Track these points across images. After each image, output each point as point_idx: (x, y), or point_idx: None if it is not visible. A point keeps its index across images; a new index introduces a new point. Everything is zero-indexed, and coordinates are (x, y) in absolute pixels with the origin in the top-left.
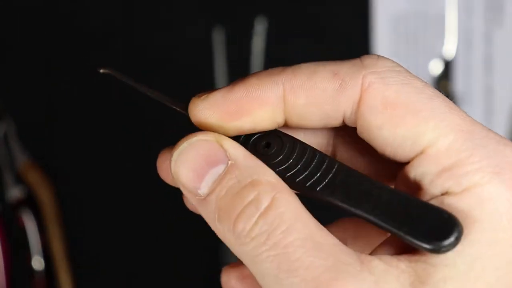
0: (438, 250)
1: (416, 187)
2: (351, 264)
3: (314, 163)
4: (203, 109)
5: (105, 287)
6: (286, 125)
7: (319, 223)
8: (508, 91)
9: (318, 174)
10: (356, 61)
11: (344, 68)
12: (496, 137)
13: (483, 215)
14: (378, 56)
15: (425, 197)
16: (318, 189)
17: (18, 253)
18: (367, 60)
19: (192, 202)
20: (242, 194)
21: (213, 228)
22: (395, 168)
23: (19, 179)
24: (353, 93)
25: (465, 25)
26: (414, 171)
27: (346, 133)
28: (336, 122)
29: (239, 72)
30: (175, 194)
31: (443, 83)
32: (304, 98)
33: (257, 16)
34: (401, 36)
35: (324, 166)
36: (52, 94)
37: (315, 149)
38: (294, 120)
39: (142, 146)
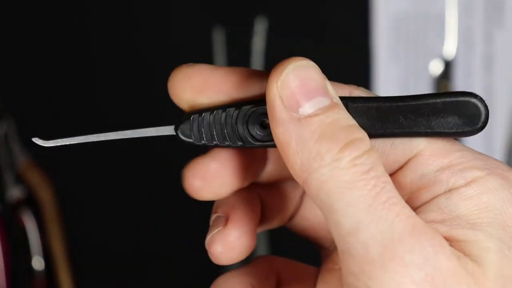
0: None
1: (413, 190)
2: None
3: None
4: (186, 74)
5: (105, 287)
6: None
7: None
8: (508, 91)
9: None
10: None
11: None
12: (470, 148)
13: (491, 201)
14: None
15: (428, 196)
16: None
17: (18, 253)
18: (348, 84)
19: (278, 116)
20: (351, 130)
21: (296, 147)
22: None
23: (19, 179)
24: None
25: (465, 25)
26: (411, 174)
27: None
28: None
29: None
30: (176, 193)
31: (443, 83)
32: None
33: (257, 16)
34: (401, 36)
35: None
36: (52, 94)
37: None
38: None
39: (142, 147)
